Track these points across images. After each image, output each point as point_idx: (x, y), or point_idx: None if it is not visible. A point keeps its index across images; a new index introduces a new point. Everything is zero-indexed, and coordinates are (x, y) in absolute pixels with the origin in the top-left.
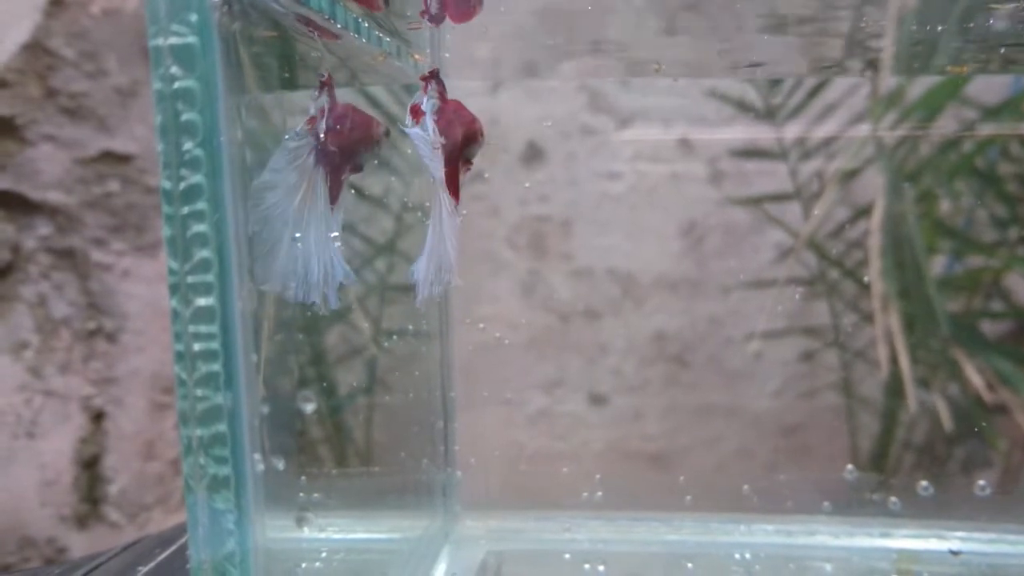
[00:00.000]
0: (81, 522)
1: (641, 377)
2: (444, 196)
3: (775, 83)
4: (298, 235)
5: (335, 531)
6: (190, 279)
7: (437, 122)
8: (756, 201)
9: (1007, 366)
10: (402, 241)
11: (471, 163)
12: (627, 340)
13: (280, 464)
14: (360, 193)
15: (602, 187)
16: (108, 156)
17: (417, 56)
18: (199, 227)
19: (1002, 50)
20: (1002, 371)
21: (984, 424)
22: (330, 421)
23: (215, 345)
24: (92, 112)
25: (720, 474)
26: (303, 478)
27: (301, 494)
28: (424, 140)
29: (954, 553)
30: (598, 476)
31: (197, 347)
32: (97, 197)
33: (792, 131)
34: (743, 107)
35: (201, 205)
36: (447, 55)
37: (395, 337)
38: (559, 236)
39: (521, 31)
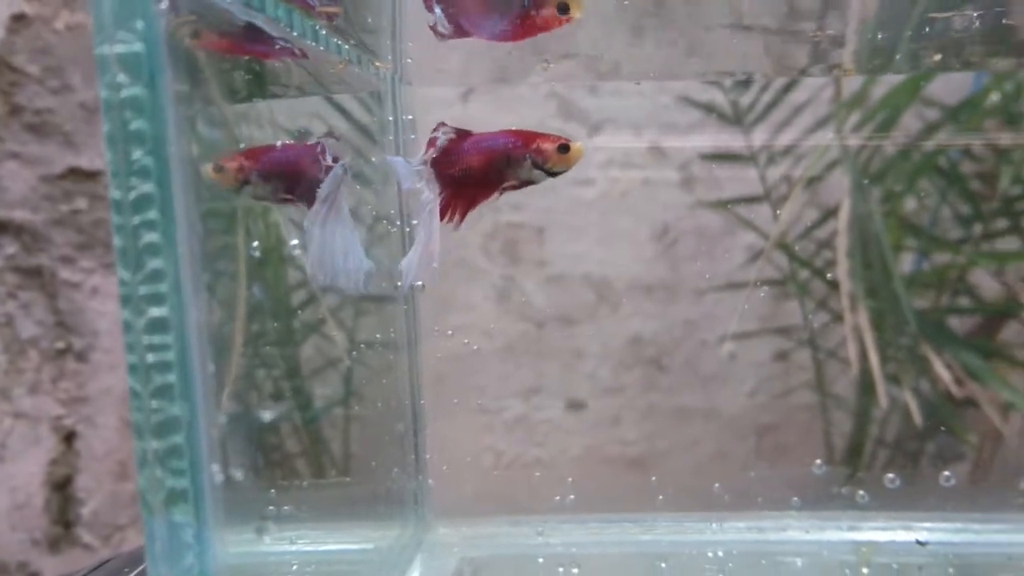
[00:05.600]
0: (53, 545)
1: (618, 382)
2: (434, 204)
3: (742, 84)
4: (295, 243)
5: (306, 543)
6: (142, 290)
7: (439, 156)
8: (727, 204)
9: (975, 360)
10: (375, 251)
11: (517, 183)
12: (603, 345)
13: (240, 476)
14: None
15: (575, 193)
16: (74, 173)
17: (379, 64)
18: (151, 237)
19: (938, 56)
20: (970, 366)
21: (954, 418)
22: (299, 432)
23: (170, 356)
24: (57, 128)
25: (698, 476)
26: (272, 491)
27: (271, 507)
28: (401, 165)
29: (921, 543)
30: (570, 479)
31: (151, 358)
32: (64, 214)
33: (760, 135)
34: (711, 111)
35: (152, 215)
36: (409, 61)
37: (364, 347)
38: (533, 243)
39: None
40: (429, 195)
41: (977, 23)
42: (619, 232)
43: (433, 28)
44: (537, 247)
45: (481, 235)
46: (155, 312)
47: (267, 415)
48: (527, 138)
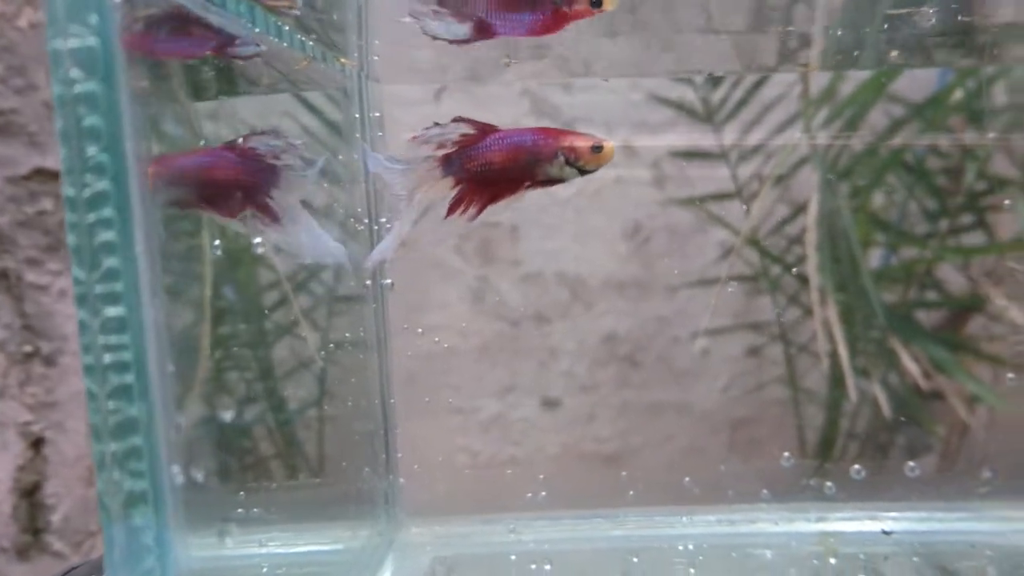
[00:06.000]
0: (22, 553)
1: (593, 379)
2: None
3: (711, 82)
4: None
5: (276, 545)
6: (98, 289)
7: (456, 151)
8: (698, 201)
9: (942, 353)
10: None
11: (545, 181)
12: (578, 343)
13: (205, 477)
14: (307, 205)
15: (548, 192)
16: (40, 173)
17: (344, 60)
18: (106, 235)
19: (895, 53)
20: (937, 359)
21: (921, 410)
22: (268, 433)
23: (127, 356)
24: (22, 129)
25: (672, 471)
26: (241, 492)
27: (239, 509)
28: (375, 159)
29: (886, 533)
30: (542, 476)
31: (108, 359)
32: (30, 216)
33: (731, 132)
34: (683, 109)
35: (108, 212)
36: (376, 58)
37: (334, 347)
38: (507, 242)
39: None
40: (402, 189)
41: (933, 20)
42: (592, 230)
43: (445, 38)
44: (511, 246)
45: (455, 234)
46: (111, 312)
47: (237, 416)
48: (559, 136)
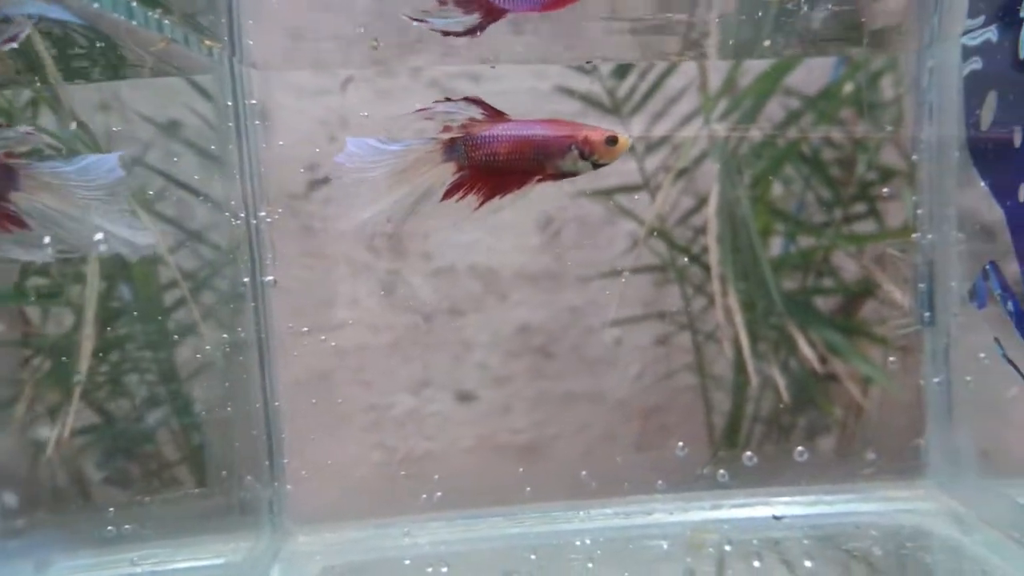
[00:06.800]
0: None
1: (507, 371)
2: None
3: (621, 72)
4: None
5: (152, 563)
6: None
7: (461, 136)
8: (607, 193)
9: (837, 338)
10: (247, 245)
11: (557, 174)
12: (491, 335)
13: (15, 502)
14: (206, 198)
15: None
16: None
17: (209, 42)
18: None
19: (767, 43)
20: (833, 343)
21: (819, 393)
22: (147, 442)
23: None
24: None
25: (588, 461)
26: (111, 509)
27: (110, 528)
28: (357, 142)
29: (777, 518)
30: (436, 477)
31: None
32: None
33: (638, 124)
34: (591, 102)
35: None
36: (250, 43)
37: (209, 349)
38: (417, 236)
39: (351, 19)
40: (387, 171)
41: (805, 8)
42: (504, 222)
43: (456, 32)
44: (422, 240)
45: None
46: None
47: (41, 432)
48: (572, 128)
